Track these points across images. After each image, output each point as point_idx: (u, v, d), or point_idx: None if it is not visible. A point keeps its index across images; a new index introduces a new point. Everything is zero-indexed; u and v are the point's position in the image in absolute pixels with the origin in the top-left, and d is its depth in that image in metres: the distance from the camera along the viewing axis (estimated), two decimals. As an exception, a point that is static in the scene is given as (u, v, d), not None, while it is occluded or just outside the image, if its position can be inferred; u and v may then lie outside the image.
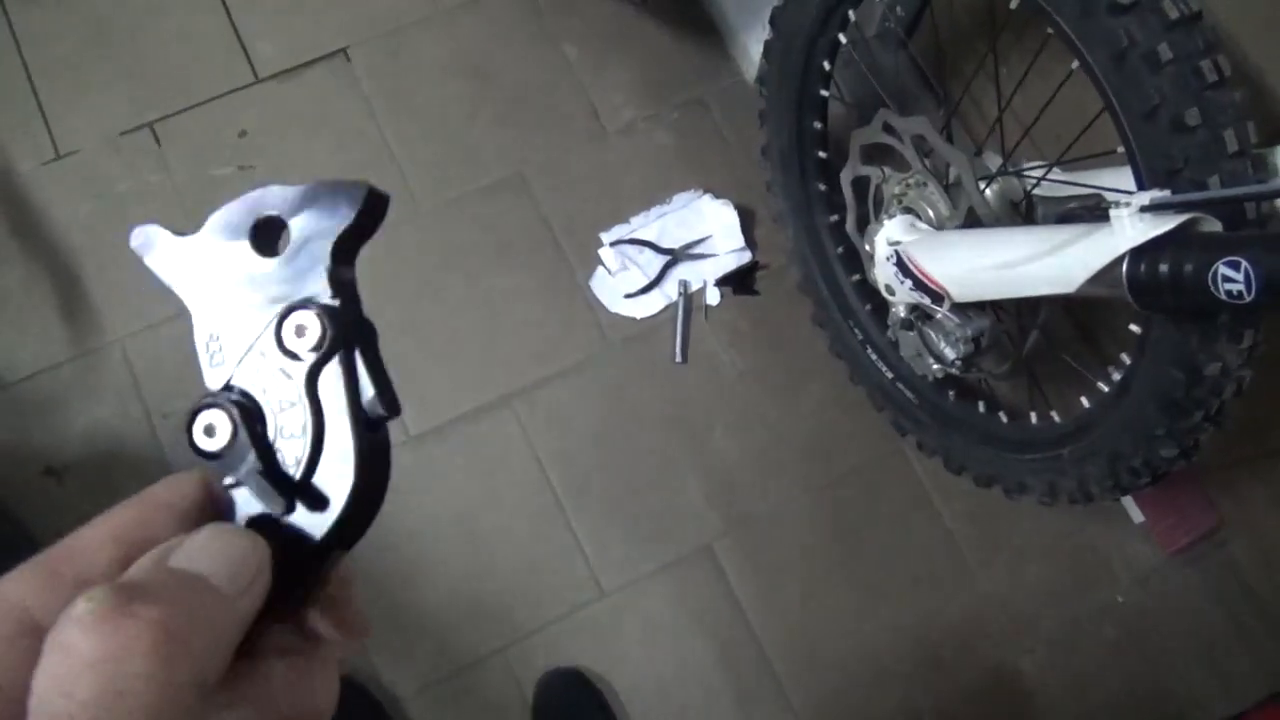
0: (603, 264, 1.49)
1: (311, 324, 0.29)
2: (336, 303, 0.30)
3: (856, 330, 1.39)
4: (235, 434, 0.29)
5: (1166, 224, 0.77)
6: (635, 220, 1.51)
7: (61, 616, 0.23)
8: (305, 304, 0.30)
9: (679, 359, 1.46)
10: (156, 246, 0.32)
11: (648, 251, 1.49)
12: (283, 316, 0.30)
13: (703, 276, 1.50)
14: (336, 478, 0.29)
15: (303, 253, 0.30)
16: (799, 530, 1.42)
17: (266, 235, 0.31)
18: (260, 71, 1.55)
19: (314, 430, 0.29)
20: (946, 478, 1.36)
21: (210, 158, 1.50)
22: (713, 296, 1.49)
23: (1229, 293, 0.72)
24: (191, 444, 0.30)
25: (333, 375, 0.30)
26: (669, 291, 1.49)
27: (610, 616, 1.36)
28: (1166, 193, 0.79)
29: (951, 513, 1.44)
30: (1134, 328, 0.96)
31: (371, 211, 0.30)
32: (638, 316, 1.48)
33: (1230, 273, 0.71)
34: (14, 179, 1.47)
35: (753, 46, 1.55)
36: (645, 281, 1.47)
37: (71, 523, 1.09)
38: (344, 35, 1.58)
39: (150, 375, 1.40)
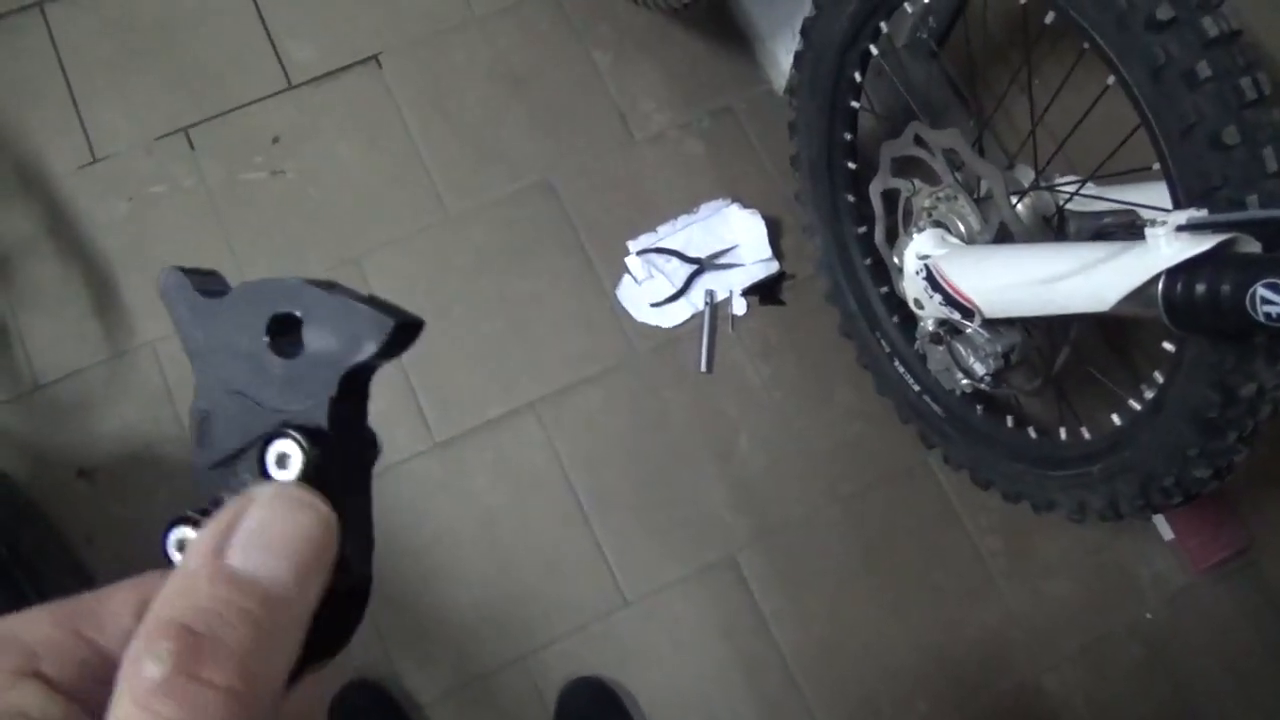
0: (629, 272, 1.49)
1: (295, 456, 0.27)
2: (331, 436, 0.27)
3: (884, 342, 1.38)
4: None
5: (1204, 244, 0.76)
6: (663, 229, 1.51)
7: (129, 675, 0.22)
8: (293, 432, 0.27)
9: (704, 368, 1.46)
10: (179, 297, 0.30)
11: (675, 260, 1.49)
12: (268, 440, 0.27)
13: (729, 286, 1.49)
14: None
15: (311, 368, 0.28)
16: (824, 542, 1.41)
17: (285, 331, 0.29)
18: (293, 77, 1.56)
19: None
20: (973, 491, 1.35)
21: (243, 162, 1.52)
22: (739, 306, 1.49)
23: (1268, 315, 0.71)
24: (166, 557, 0.28)
25: None
26: (695, 301, 1.48)
27: (633, 626, 1.36)
28: (1204, 212, 0.78)
29: (977, 526, 1.43)
30: (1167, 346, 0.94)
31: (394, 346, 0.28)
32: (664, 325, 1.48)
33: (1270, 295, 0.70)
34: (51, 182, 1.50)
35: (782, 56, 1.55)
36: (672, 290, 1.47)
37: (102, 524, 1.11)
38: (376, 41, 1.59)
39: (181, 378, 1.41)
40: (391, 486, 1.38)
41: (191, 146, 1.52)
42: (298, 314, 0.28)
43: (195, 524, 0.27)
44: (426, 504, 1.38)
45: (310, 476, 0.27)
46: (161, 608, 0.23)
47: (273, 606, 0.23)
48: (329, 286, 0.28)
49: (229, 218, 1.49)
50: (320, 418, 0.28)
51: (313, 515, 0.25)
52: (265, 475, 0.27)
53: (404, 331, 0.28)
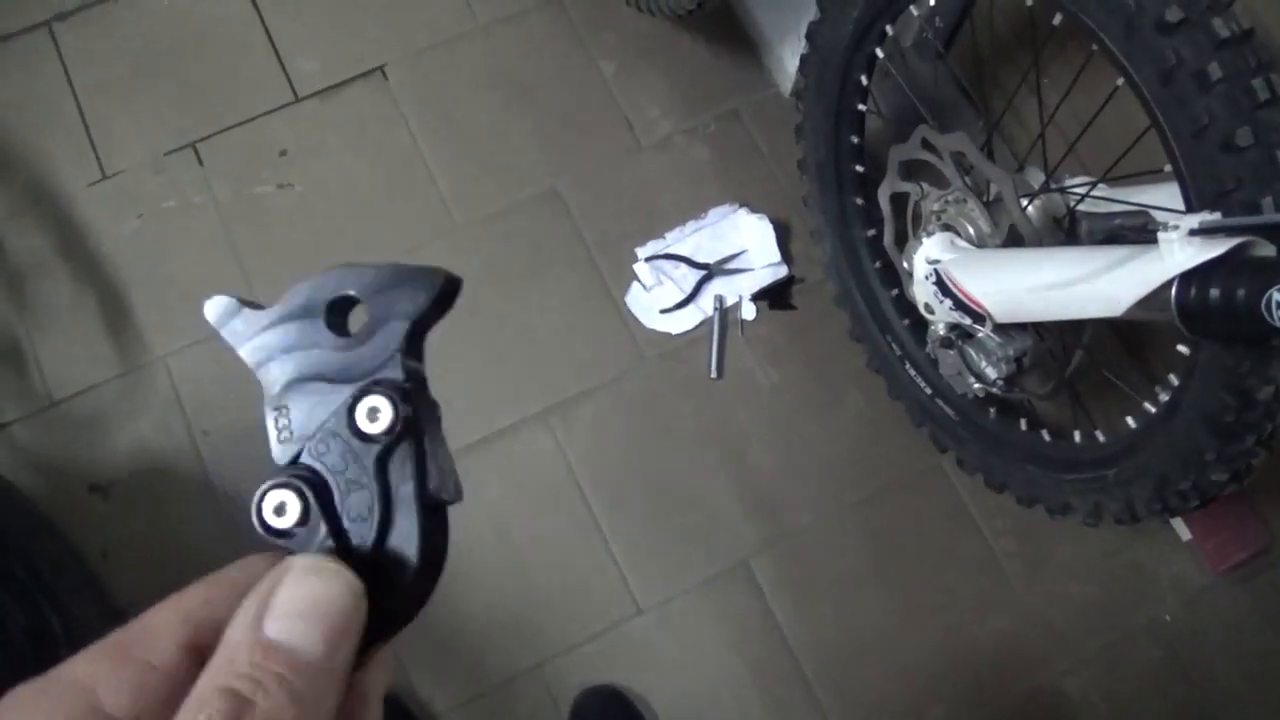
0: (638, 279, 1.49)
1: (385, 408, 0.29)
2: (408, 386, 0.30)
3: (894, 345, 1.37)
4: (306, 513, 0.29)
5: (1217, 248, 0.76)
6: (670, 235, 1.51)
7: None
8: (377, 387, 0.30)
9: (715, 374, 1.46)
10: (230, 318, 0.32)
11: (683, 266, 1.48)
12: (356, 398, 0.30)
13: (738, 291, 1.49)
14: (398, 562, 0.30)
15: (377, 335, 0.31)
16: (837, 546, 1.41)
17: (340, 314, 0.31)
18: (300, 90, 1.57)
19: (380, 513, 0.30)
20: (987, 494, 1.34)
21: (252, 176, 1.53)
22: (748, 311, 1.49)
23: (1284, 319, 0.70)
24: (261, 521, 0.30)
25: (401, 459, 0.30)
26: (704, 307, 1.48)
27: (647, 633, 1.36)
28: (1217, 215, 0.77)
29: (992, 529, 1.42)
30: (1182, 349, 0.93)
31: (445, 297, 0.31)
32: (673, 332, 1.47)
33: (1285, 299, 0.69)
34: (62, 200, 1.50)
35: (788, 59, 1.54)
36: (681, 297, 1.47)
37: (117, 538, 1.11)
38: (381, 53, 1.59)
39: (193, 392, 1.42)
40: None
41: (200, 162, 1.53)
42: (352, 293, 0.31)
43: (291, 487, 0.29)
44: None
45: (400, 425, 0.29)
46: (213, 674, 0.26)
47: (305, 672, 0.26)
48: (374, 264, 0.31)
49: (238, 232, 1.50)
50: (395, 372, 0.30)
51: (340, 584, 0.28)
52: (356, 433, 0.29)
53: (450, 283, 0.31)
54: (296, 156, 1.54)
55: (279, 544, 0.30)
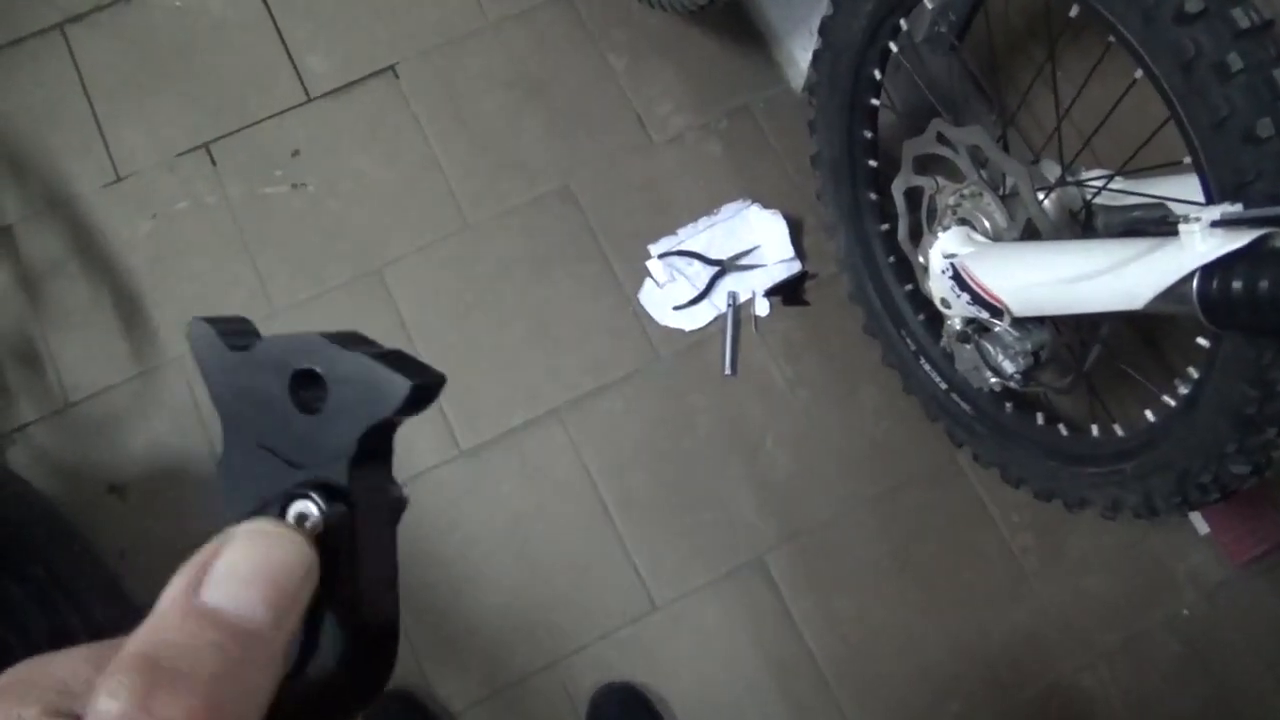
0: (651, 276, 1.49)
1: (313, 517, 0.27)
2: (349, 493, 0.28)
3: (909, 340, 1.37)
4: None
5: (1239, 239, 0.75)
6: (683, 231, 1.51)
7: (89, 713, 0.21)
8: (312, 491, 0.27)
9: (729, 371, 1.46)
10: (206, 350, 0.30)
11: (696, 263, 1.48)
12: (288, 498, 0.28)
13: (752, 287, 1.49)
14: (321, 687, 0.27)
15: (332, 426, 0.28)
16: (853, 542, 1.40)
17: (306, 386, 0.29)
18: (311, 90, 1.57)
19: (305, 631, 0.27)
20: (1004, 489, 1.33)
21: (264, 177, 1.53)
22: (762, 307, 1.48)
23: (1308, 311, 0.69)
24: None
25: (329, 573, 0.27)
26: (718, 303, 1.48)
27: (662, 631, 1.36)
28: (1238, 207, 0.77)
29: (1009, 524, 1.42)
30: (1202, 341, 0.93)
31: (415, 404, 0.28)
32: (687, 328, 1.47)
33: (1309, 291, 0.69)
34: (76, 202, 1.51)
35: (799, 54, 1.54)
36: (694, 293, 1.47)
37: (135, 538, 1.11)
38: (392, 52, 1.59)
39: (209, 393, 1.42)
40: (418, 495, 1.38)
41: (213, 162, 1.53)
42: (319, 371, 0.28)
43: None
44: (454, 512, 1.39)
45: (327, 536, 0.27)
46: (129, 644, 0.23)
47: (242, 638, 0.23)
48: (352, 341, 0.28)
49: (251, 232, 1.50)
50: (340, 477, 0.28)
51: (288, 547, 0.25)
52: None
53: (422, 391, 0.28)
54: (309, 156, 1.54)
55: None
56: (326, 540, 0.27)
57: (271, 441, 0.29)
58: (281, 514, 0.27)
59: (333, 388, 0.28)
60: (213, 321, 0.30)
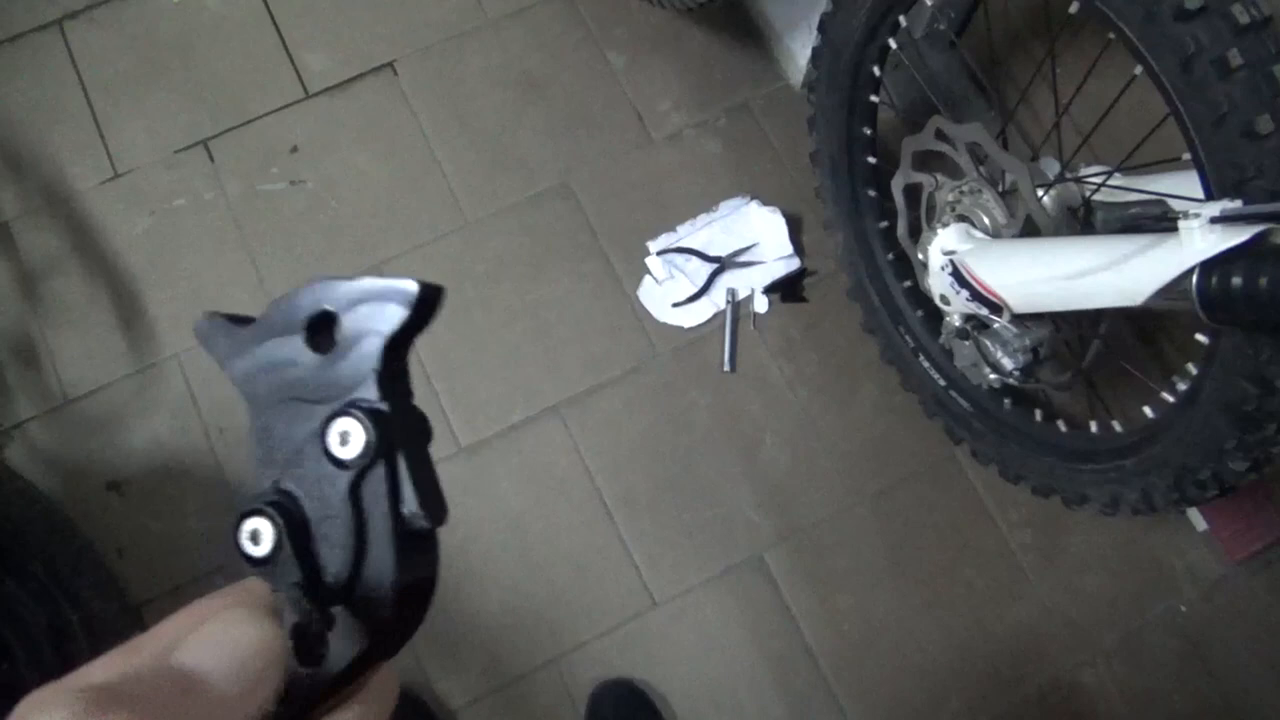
0: (650, 273, 1.49)
1: (355, 432, 0.28)
2: (385, 406, 0.29)
3: (908, 337, 1.37)
4: (279, 544, 0.28)
5: (1239, 235, 0.75)
6: (682, 228, 1.51)
7: None
8: (350, 409, 0.28)
9: (728, 368, 1.46)
10: (216, 336, 0.31)
11: (695, 260, 1.48)
12: (327, 421, 0.28)
13: (750, 284, 1.49)
14: (375, 592, 0.28)
15: (353, 351, 0.29)
16: (852, 539, 1.40)
17: (321, 330, 0.30)
18: (310, 87, 1.57)
19: (355, 542, 0.28)
20: (1003, 485, 1.33)
21: (262, 173, 1.53)
22: (761, 304, 1.48)
23: (1307, 307, 0.69)
24: (239, 549, 0.29)
25: (377, 484, 0.28)
26: (717, 300, 1.48)
27: (662, 627, 1.36)
28: (1238, 203, 0.77)
29: (1008, 521, 1.42)
30: (1201, 337, 0.93)
31: (423, 309, 0.29)
32: (686, 325, 1.47)
33: (1309, 287, 0.69)
34: (74, 198, 1.51)
35: (798, 51, 1.54)
36: (693, 290, 1.47)
37: (133, 536, 1.11)
38: (391, 49, 1.59)
39: (207, 390, 1.42)
40: (418, 493, 1.38)
41: (211, 159, 1.53)
42: (329, 308, 0.30)
43: (265, 515, 0.29)
44: (453, 509, 1.36)
45: (372, 449, 0.28)
46: (90, 670, 0.24)
47: (206, 702, 0.24)
48: (351, 277, 0.30)
49: (250, 229, 1.50)
50: (371, 393, 0.29)
51: (263, 631, 0.26)
52: (330, 458, 0.28)
53: (428, 294, 0.29)
54: (307, 153, 1.54)
55: (257, 573, 0.29)
56: (373, 454, 0.28)
57: (298, 392, 0.30)
58: (323, 440, 0.28)
59: (344, 315, 0.29)
60: (217, 314, 0.32)
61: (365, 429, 0.28)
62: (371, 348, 0.29)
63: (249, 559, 0.29)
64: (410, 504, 0.29)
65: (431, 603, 0.30)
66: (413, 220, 1.51)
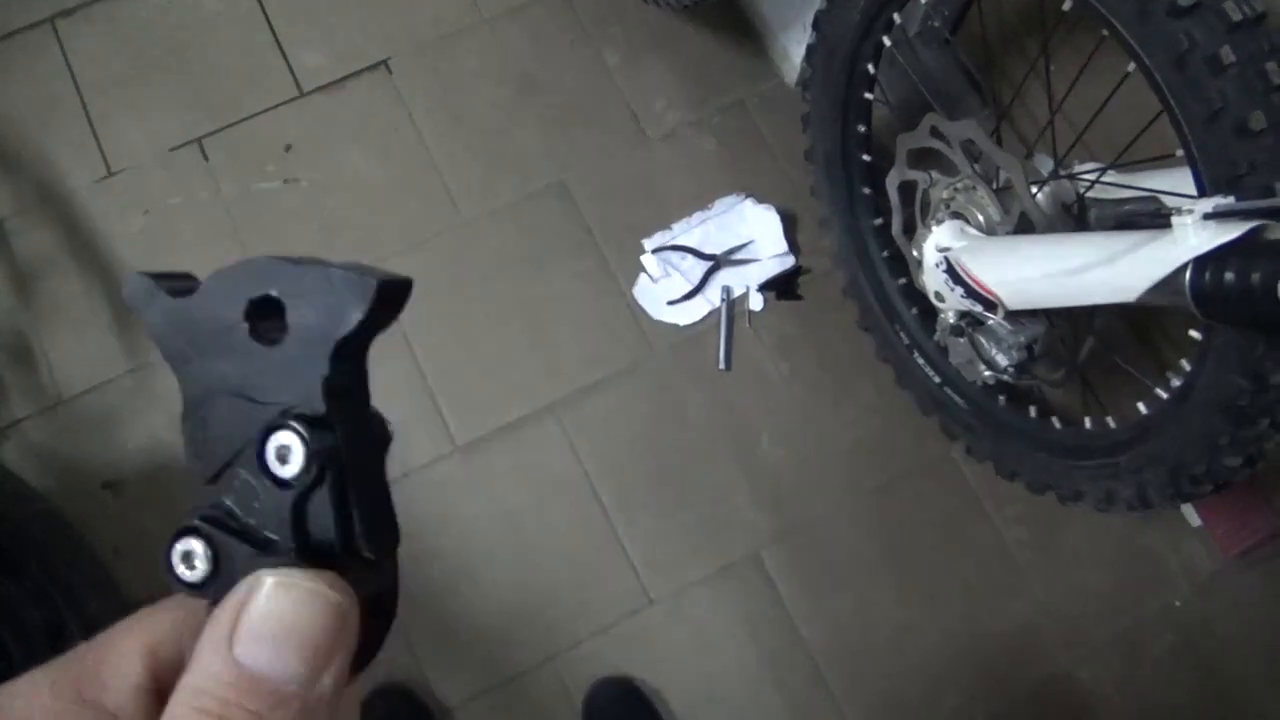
0: (645, 271, 1.49)
1: (295, 448, 0.25)
2: (331, 419, 0.25)
3: (903, 334, 1.37)
4: (214, 568, 0.25)
5: (1232, 232, 0.75)
6: (677, 226, 1.51)
7: None
8: (290, 421, 0.25)
9: (723, 365, 1.46)
10: (148, 302, 0.27)
11: (690, 258, 1.48)
12: (265, 434, 0.25)
13: (746, 282, 1.49)
14: None
15: (300, 349, 0.25)
16: (848, 537, 1.41)
17: (265, 316, 0.26)
18: (304, 85, 1.57)
19: (300, 561, 0.25)
20: (998, 482, 1.34)
21: (257, 172, 1.52)
22: (756, 302, 1.49)
23: (1300, 303, 0.70)
24: (171, 574, 0.26)
25: (319, 506, 0.25)
26: (712, 298, 1.48)
27: (659, 625, 1.36)
28: (1231, 199, 0.77)
29: (1003, 518, 1.42)
30: (1194, 333, 0.93)
31: (383, 307, 0.25)
32: (681, 323, 1.47)
33: (1301, 283, 0.69)
34: (68, 197, 1.50)
35: (793, 49, 1.54)
36: (688, 288, 1.47)
37: (129, 535, 1.11)
38: (385, 47, 1.59)
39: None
40: (414, 491, 1.38)
41: (205, 157, 1.53)
42: (275, 294, 0.26)
43: (199, 535, 0.26)
44: (449, 508, 1.39)
45: (314, 469, 0.25)
46: (183, 697, 0.23)
47: (282, 704, 0.23)
48: (305, 261, 0.26)
49: (244, 227, 1.50)
50: (317, 404, 0.25)
51: (321, 605, 0.24)
52: (266, 473, 0.25)
53: (389, 291, 0.25)
54: (302, 151, 1.54)
55: (194, 597, 0.26)
56: (310, 476, 0.25)
57: (237, 385, 0.26)
58: (260, 453, 0.25)
59: (292, 307, 0.25)
60: (155, 276, 0.28)
61: (305, 447, 0.25)
62: (321, 349, 0.25)
63: (183, 584, 0.26)
64: (359, 529, 0.26)
65: (394, 617, 0.28)
66: (408, 219, 1.51)
